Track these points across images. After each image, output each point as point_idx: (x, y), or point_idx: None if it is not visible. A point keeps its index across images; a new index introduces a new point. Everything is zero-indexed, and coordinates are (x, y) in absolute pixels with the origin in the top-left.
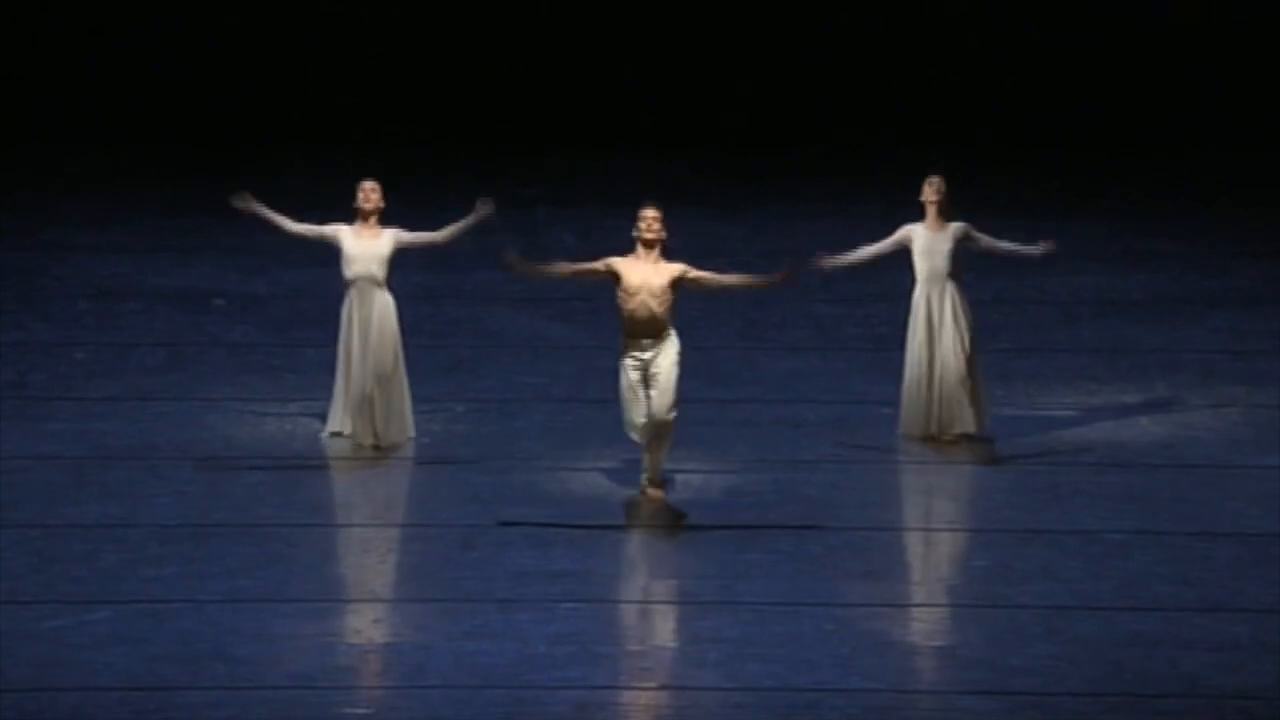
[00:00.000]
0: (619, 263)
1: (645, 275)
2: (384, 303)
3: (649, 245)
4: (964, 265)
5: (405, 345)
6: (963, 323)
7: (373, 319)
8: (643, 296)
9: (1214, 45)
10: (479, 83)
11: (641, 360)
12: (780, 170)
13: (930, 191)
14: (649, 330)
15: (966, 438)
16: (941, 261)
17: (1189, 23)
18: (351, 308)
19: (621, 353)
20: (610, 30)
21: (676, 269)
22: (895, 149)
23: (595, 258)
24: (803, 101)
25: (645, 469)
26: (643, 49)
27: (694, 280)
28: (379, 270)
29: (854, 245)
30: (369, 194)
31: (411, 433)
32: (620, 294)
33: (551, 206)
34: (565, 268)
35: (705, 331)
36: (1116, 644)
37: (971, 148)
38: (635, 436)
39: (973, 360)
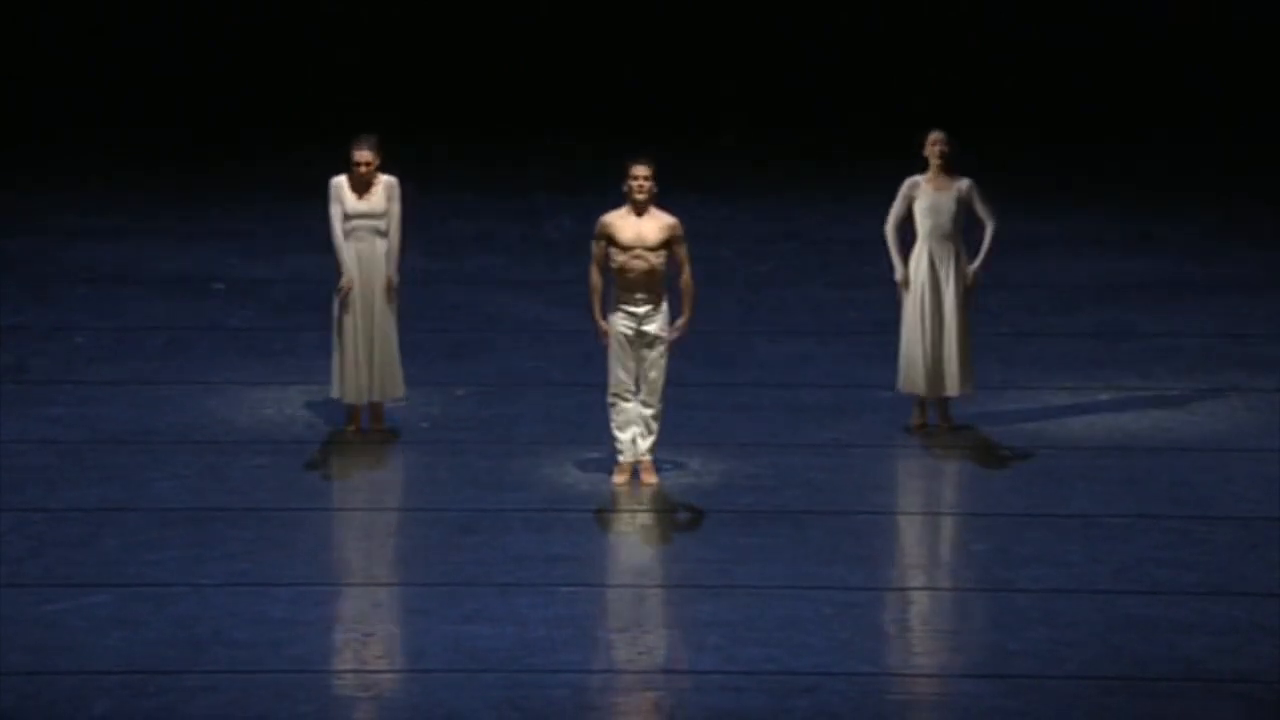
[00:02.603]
0: (609, 225)
1: (639, 230)
2: (383, 251)
3: (640, 202)
4: (967, 228)
5: (405, 329)
6: (962, 282)
7: (376, 273)
8: (637, 250)
9: (1214, 45)
10: (480, 68)
11: (635, 316)
12: (781, 155)
13: (932, 145)
14: (644, 285)
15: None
16: (946, 220)
17: (1189, 23)
18: (351, 263)
19: (615, 307)
20: (611, 18)
21: (669, 226)
22: (895, 134)
23: (589, 239)
24: (803, 93)
25: (625, 452)
26: (643, 34)
27: (676, 248)
28: (380, 222)
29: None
30: (370, 162)
31: (404, 390)
32: (613, 251)
33: (551, 193)
34: (595, 279)
35: (704, 315)
36: (1115, 628)
37: (973, 134)
38: (619, 394)
39: (966, 321)
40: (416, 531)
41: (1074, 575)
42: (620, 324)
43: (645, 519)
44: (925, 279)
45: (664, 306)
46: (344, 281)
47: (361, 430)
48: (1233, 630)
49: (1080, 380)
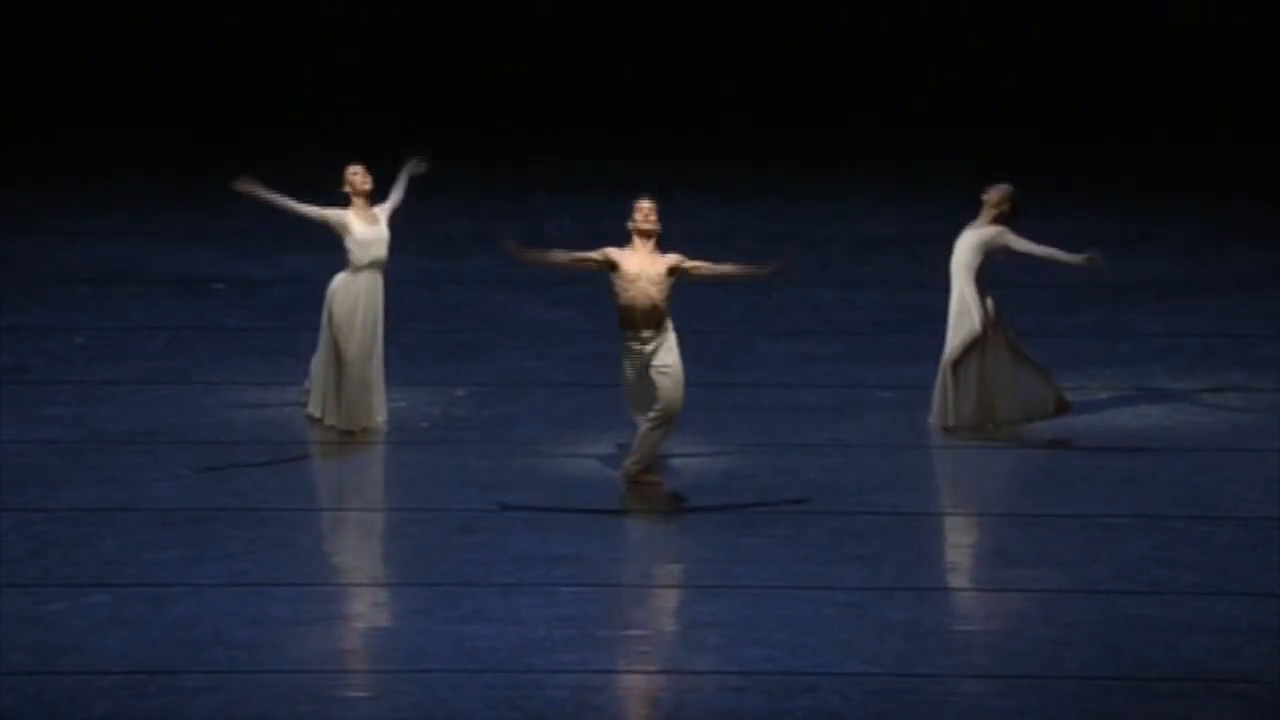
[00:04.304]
0: (616, 253)
1: (643, 263)
2: (381, 285)
3: (645, 236)
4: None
5: (405, 329)
6: (967, 321)
7: (375, 304)
8: (642, 284)
9: (1214, 45)
10: (480, 68)
11: (641, 354)
12: (780, 155)
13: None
14: (649, 320)
15: (965, 426)
16: (955, 257)
17: (1189, 23)
18: (359, 291)
19: (620, 345)
20: (611, 18)
21: (673, 257)
22: (895, 134)
23: (593, 247)
24: (803, 93)
25: (638, 456)
26: (643, 34)
27: (690, 270)
28: (387, 251)
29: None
30: (364, 178)
31: (384, 414)
32: (618, 283)
33: (552, 192)
34: (563, 256)
35: (704, 316)
36: (1115, 628)
37: (973, 134)
38: (637, 420)
39: (958, 359)
40: (416, 531)
41: (1074, 575)
42: (628, 366)
43: (645, 519)
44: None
45: (668, 338)
46: (241, 182)
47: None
48: (1233, 630)
49: (1080, 380)
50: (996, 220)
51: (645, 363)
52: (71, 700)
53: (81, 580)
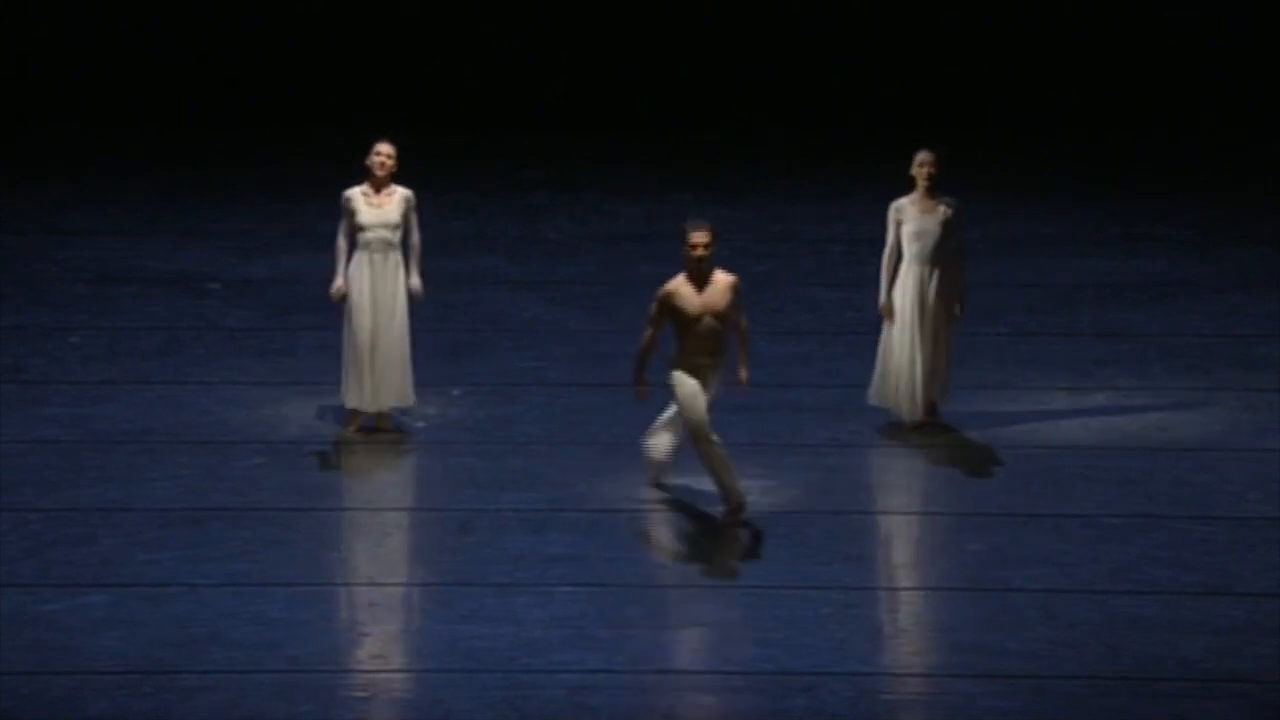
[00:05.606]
0: (672, 294)
1: (704, 298)
2: (396, 263)
3: (699, 266)
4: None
5: None
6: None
7: (387, 283)
8: (705, 320)
9: (1214, 44)
10: (480, 68)
11: (713, 369)
12: (779, 155)
13: (920, 166)
14: (715, 347)
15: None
16: (930, 243)
17: (1190, 23)
18: (363, 272)
19: (683, 367)
20: (611, 18)
21: (731, 286)
22: (893, 134)
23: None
24: (802, 93)
25: (729, 490)
26: (643, 34)
27: (736, 299)
28: (393, 235)
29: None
30: (385, 160)
31: (413, 397)
32: (679, 323)
33: (550, 191)
34: (650, 339)
35: None
36: (1113, 628)
37: (971, 133)
38: (706, 430)
39: (948, 338)
40: (415, 531)
41: (1072, 575)
42: (692, 378)
43: (644, 519)
44: (912, 302)
45: (722, 362)
46: (333, 289)
47: (363, 429)
48: (1231, 631)
49: (1079, 380)
50: (932, 187)
51: (711, 376)
52: (69, 700)
53: (79, 580)
